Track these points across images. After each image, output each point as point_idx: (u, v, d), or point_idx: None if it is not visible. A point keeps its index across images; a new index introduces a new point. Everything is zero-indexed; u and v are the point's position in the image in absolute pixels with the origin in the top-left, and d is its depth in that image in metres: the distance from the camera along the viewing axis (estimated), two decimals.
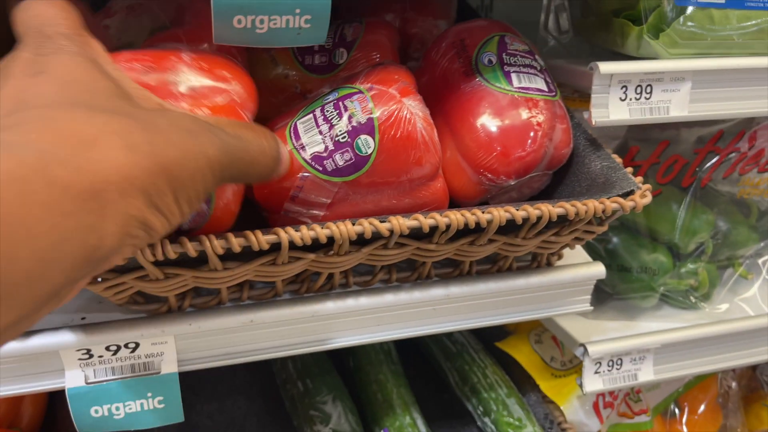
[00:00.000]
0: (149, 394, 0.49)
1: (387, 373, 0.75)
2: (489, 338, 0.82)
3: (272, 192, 0.47)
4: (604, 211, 0.50)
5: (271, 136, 0.41)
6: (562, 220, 0.52)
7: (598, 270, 0.59)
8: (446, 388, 0.80)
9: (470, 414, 0.77)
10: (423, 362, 0.84)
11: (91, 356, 0.47)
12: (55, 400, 0.68)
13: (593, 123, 0.57)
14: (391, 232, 0.46)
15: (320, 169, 0.47)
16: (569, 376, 0.73)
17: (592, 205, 0.50)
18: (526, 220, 0.49)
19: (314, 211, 0.48)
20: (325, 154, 0.47)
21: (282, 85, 0.58)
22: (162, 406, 0.50)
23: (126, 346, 0.48)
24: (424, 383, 0.79)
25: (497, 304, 0.57)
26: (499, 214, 0.48)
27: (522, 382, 0.75)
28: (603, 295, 0.75)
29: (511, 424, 0.67)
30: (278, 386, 0.78)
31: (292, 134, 0.48)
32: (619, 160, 0.56)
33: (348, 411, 0.71)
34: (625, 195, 0.52)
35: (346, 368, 0.79)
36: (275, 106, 0.58)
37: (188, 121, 0.32)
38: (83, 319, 0.49)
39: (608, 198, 0.51)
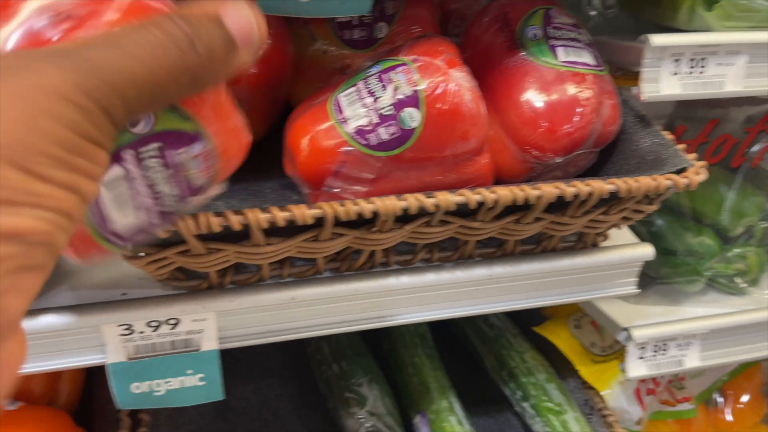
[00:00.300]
0: (189, 371, 0.49)
1: (422, 356, 0.74)
2: (526, 323, 0.80)
3: (315, 167, 0.46)
4: (656, 189, 0.48)
5: (211, 19, 0.28)
6: (612, 198, 0.50)
7: (646, 251, 0.57)
8: (482, 373, 0.79)
9: (507, 399, 0.75)
10: (457, 347, 0.83)
11: (132, 332, 0.47)
12: (93, 377, 0.68)
13: (643, 98, 0.55)
14: (437, 207, 0.45)
15: (364, 143, 0.45)
16: (610, 362, 0.71)
17: (645, 181, 0.48)
18: (576, 197, 0.47)
19: (356, 187, 0.47)
20: (369, 128, 0.45)
21: (320, 61, 0.57)
22: (202, 383, 0.50)
23: (167, 322, 0.48)
24: (458, 368, 0.77)
25: (541, 285, 0.55)
26: (549, 190, 0.46)
27: (560, 368, 0.74)
28: (645, 280, 0.73)
29: (552, 410, 0.66)
30: (312, 368, 0.77)
31: (334, 108, 0.47)
32: (670, 136, 0.54)
33: (384, 394, 0.70)
34: (678, 172, 0.50)
35: (380, 351, 0.78)
36: (313, 83, 0.57)
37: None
38: (124, 294, 0.48)
39: (661, 175, 0.49)
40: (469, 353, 0.81)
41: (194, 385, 0.49)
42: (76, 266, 0.50)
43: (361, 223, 0.46)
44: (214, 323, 0.49)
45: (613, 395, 0.69)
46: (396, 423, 0.68)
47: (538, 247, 0.55)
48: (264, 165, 0.57)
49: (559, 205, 0.50)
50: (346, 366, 0.72)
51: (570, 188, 0.47)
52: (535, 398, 0.67)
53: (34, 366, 0.46)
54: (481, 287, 0.54)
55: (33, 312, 0.45)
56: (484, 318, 0.79)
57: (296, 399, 0.76)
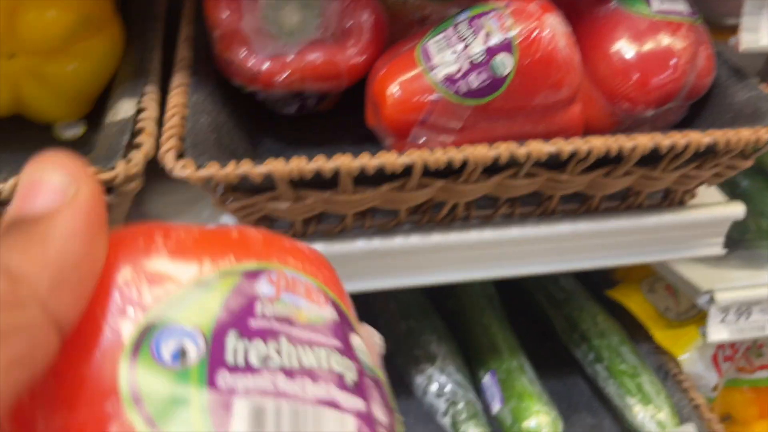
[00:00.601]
0: None
1: (491, 317, 0.74)
2: (596, 287, 0.79)
3: (402, 116, 0.46)
4: (756, 142, 0.46)
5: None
6: (707, 152, 0.48)
7: (736, 210, 0.55)
8: (549, 336, 0.78)
9: (575, 362, 0.74)
10: (524, 311, 0.82)
11: None
12: None
13: (741, 49, 0.52)
14: (528, 157, 0.43)
15: (453, 90, 0.44)
16: (687, 327, 0.69)
17: (745, 134, 0.46)
18: (671, 149, 0.45)
19: (442, 137, 0.46)
20: (458, 75, 0.44)
21: (400, 11, 0.56)
22: None
23: None
24: (526, 331, 0.77)
25: (626, 243, 0.54)
26: (644, 141, 0.45)
27: (633, 332, 0.72)
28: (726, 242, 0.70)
29: (626, 372, 0.65)
30: (379, 327, 0.77)
31: (422, 55, 0.46)
32: None
33: (453, 352, 0.70)
34: None
35: (446, 311, 0.78)
36: (392, 34, 0.56)
37: None
38: None
39: (764, 127, 0.46)
40: (537, 317, 0.80)
41: None
42: (160, 211, 0.51)
43: (447, 173, 0.46)
44: None
45: (690, 360, 0.68)
46: (466, 380, 0.68)
47: (623, 204, 0.54)
48: (340, 119, 0.57)
49: (650, 159, 0.48)
50: (414, 324, 0.73)
51: (666, 140, 0.45)
52: (608, 360, 0.66)
53: None
54: (565, 244, 0.53)
55: None
56: (554, 281, 0.78)
57: None
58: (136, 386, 0.16)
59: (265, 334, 0.18)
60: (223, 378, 0.17)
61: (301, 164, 0.40)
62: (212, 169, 0.40)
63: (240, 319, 0.18)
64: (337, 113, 0.57)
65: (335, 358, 0.19)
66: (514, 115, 0.46)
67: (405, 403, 0.72)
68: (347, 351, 0.20)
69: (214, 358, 0.17)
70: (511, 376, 0.65)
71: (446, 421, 0.65)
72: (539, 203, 0.52)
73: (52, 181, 0.17)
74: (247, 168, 0.40)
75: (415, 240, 0.50)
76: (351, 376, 0.19)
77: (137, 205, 0.50)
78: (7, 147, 0.51)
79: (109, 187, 0.40)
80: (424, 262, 0.51)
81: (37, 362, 0.15)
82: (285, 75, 0.48)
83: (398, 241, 0.49)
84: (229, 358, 0.17)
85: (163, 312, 0.18)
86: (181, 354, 0.17)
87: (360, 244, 0.49)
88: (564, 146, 0.44)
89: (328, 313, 0.21)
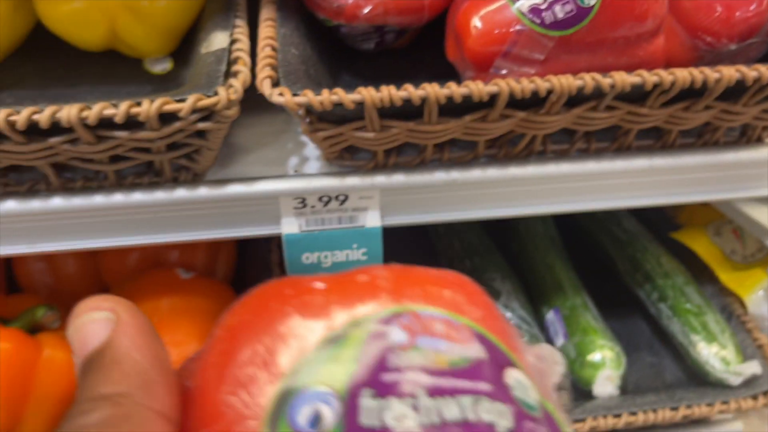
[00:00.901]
0: (354, 246, 0.52)
1: (554, 257, 0.75)
2: (660, 231, 0.79)
3: (485, 47, 0.46)
4: None
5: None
6: None
7: None
8: (611, 278, 0.79)
9: (637, 304, 0.75)
10: (586, 252, 0.83)
11: (304, 206, 0.50)
12: (243, 258, 0.74)
13: None
14: (612, 88, 0.44)
15: (538, 21, 0.45)
16: (752, 269, 0.69)
17: None
18: (756, 81, 0.45)
19: (525, 69, 0.47)
20: (543, 6, 0.45)
21: None
22: (365, 258, 0.53)
23: (336, 198, 0.50)
24: (588, 272, 0.78)
25: (700, 180, 0.54)
26: (729, 73, 0.45)
27: (698, 274, 0.73)
28: None
29: (690, 311, 0.65)
30: (443, 265, 0.80)
31: None
32: None
33: (517, 289, 0.72)
34: None
35: (509, 253, 0.79)
36: None
37: None
38: (296, 172, 0.51)
39: None
40: (599, 259, 0.81)
41: (358, 259, 0.53)
42: (246, 143, 0.53)
43: (529, 105, 0.47)
44: (377, 201, 0.51)
45: (755, 302, 0.68)
46: (529, 316, 0.69)
47: (699, 140, 0.54)
48: (416, 55, 0.58)
49: (732, 93, 0.48)
50: (478, 262, 0.74)
51: (752, 72, 0.45)
52: (673, 299, 0.67)
53: (220, 232, 0.50)
54: (639, 180, 0.53)
55: (219, 181, 0.48)
56: (618, 223, 0.78)
57: None
58: None
59: (401, 389, 0.18)
60: None
61: (391, 92, 0.42)
62: (307, 96, 0.42)
63: (373, 374, 0.18)
64: (413, 50, 0.58)
65: (484, 405, 0.18)
66: (597, 48, 0.46)
67: None
68: (499, 393, 0.19)
69: (349, 422, 0.17)
70: (575, 313, 0.67)
71: None
72: (615, 139, 0.52)
73: (97, 319, 0.20)
74: (340, 95, 0.42)
75: (493, 172, 0.51)
76: (505, 424, 0.18)
77: (226, 137, 0.52)
78: (103, 80, 0.53)
79: (210, 113, 0.42)
80: (500, 195, 0.52)
81: None
82: (369, 8, 0.49)
83: (476, 174, 0.51)
84: (364, 420, 0.17)
85: (296, 376, 0.18)
86: (316, 420, 0.17)
87: (439, 176, 0.50)
88: (648, 77, 0.44)
89: (474, 352, 0.19)
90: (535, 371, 0.22)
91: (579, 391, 0.67)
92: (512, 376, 0.19)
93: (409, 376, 0.18)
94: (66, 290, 0.68)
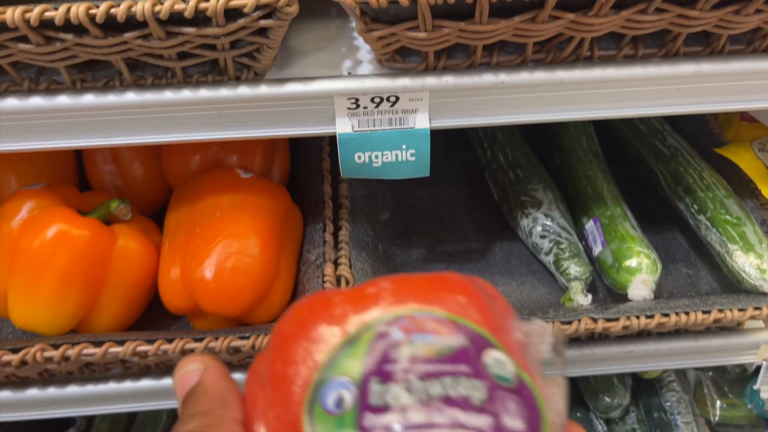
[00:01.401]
0: (404, 146, 0.55)
1: (596, 170, 0.76)
2: (704, 147, 0.79)
3: None
4: None
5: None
6: None
7: None
8: (651, 194, 0.80)
9: (676, 218, 0.77)
10: (628, 169, 0.84)
11: (357, 106, 0.53)
12: (295, 164, 0.77)
13: None
14: None
15: None
16: None
17: None
18: None
19: None
20: None
21: None
22: (413, 159, 0.55)
23: (387, 99, 0.53)
24: (628, 188, 0.79)
25: (748, 88, 0.55)
26: None
27: (740, 189, 0.73)
28: None
29: (729, 222, 0.67)
30: (487, 178, 0.82)
31: None
32: None
33: (558, 200, 0.74)
34: None
35: (552, 167, 0.81)
36: None
37: None
38: (349, 73, 0.53)
39: None
40: (641, 174, 0.82)
41: (406, 160, 0.55)
42: (302, 47, 0.55)
43: (577, 7, 0.48)
44: (427, 103, 0.53)
45: None
46: (569, 225, 0.72)
47: (748, 47, 0.54)
48: None
49: None
50: (521, 173, 0.77)
51: None
52: (712, 211, 0.68)
53: (279, 131, 0.54)
54: (686, 85, 0.54)
55: (278, 80, 0.51)
56: (662, 139, 0.79)
57: (469, 203, 0.82)
58: (314, 429, 0.24)
59: (398, 376, 0.24)
60: (368, 419, 0.23)
61: None
62: None
63: (379, 365, 0.25)
64: None
65: (462, 383, 0.24)
66: None
67: (508, 245, 0.77)
68: (476, 372, 0.25)
69: (362, 403, 0.24)
70: (614, 222, 0.69)
71: (549, 259, 0.70)
72: (663, 44, 0.53)
73: (191, 369, 0.30)
74: None
75: (540, 75, 0.52)
76: (478, 396, 0.24)
77: (284, 41, 0.55)
78: None
79: (272, 10, 0.45)
80: (546, 99, 0.54)
81: None
82: None
83: (524, 76, 0.52)
84: (372, 401, 0.24)
85: (325, 369, 0.25)
86: (340, 402, 0.24)
87: (487, 78, 0.52)
88: None
89: (456, 341, 0.26)
90: (520, 347, 0.28)
91: (615, 295, 0.70)
92: (490, 356, 0.26)
93: (404, 366, 0.24)
94: (133, 192, 0.74)
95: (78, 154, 0.77)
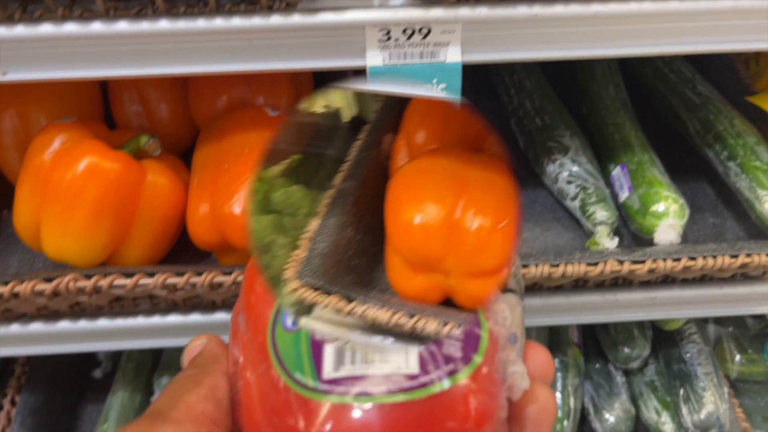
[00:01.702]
0: (434, 80, 0.54)
1: (624, 117, 0.76)
2: (735, 96, 0.78)
3: None
4: None
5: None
6: None
7: None
8: (679, 143, 0.80)
9: (704, 168, 0.76)
10: (657, 117, 0.83)
11: (389, 39, 0.52)
12: None
13: None
14: None
15: None
16: None
17: None
18: None
19: None
20: None
21: None
22: (444, 93, 0.55)
23: (419, 31, 0.52)
24: (656, 137, 0.78)
25: None
26: None
27: None
28: None
29: (759, 168, 0.66)
30: (513, 125, 0.81)
31: None
32: None
33: (585, 146, 0.73)
34: None
35: (578, 115, 0.80)
36: None
37: None
38: (381, 4, 0.53)
39: None
40: (669, 123, 0.81)
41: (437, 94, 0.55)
42: None
43: None
44: (459, 36, 0.53)
45: None
46: (596, 171, 0.71)
47: None
48: None
49: None
50: (548, 120, 0.76)
51: None
52: (743, 157, 0.68)
53: (310, 63, 0.53)
54: (723, 22, 0.53)
55: (310, 9, 0.51)
56: (692, 88, 0.78)
57: None
58: (275, 340, 0.30)
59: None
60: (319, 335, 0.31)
61: None
62: None
63: None
64: None
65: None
66: None
67: (533, 193, 0.77)
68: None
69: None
70: (641, 168, 0.69)
71: (575, 204, 0.70)
72: None
73: (197, 343, 0.35)
74: None
75: (575, 8, 0.52)
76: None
77: None
78: None
79: None
80: (581, 35, 0.53)
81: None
82: None
83: (558, 9, 0.52)
84: None
85: (280, 302, 0.33)
86: (296, 323, 0.31)
87: (521, 10, 0.52)
88: None
89: None
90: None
91: (640, 241, 0.70)
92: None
93: None
94: (160, 133, 0.74)
95: (105, 95, 0.77)
